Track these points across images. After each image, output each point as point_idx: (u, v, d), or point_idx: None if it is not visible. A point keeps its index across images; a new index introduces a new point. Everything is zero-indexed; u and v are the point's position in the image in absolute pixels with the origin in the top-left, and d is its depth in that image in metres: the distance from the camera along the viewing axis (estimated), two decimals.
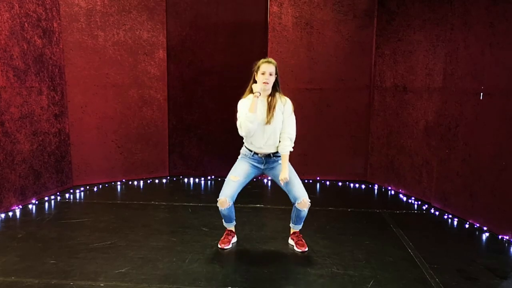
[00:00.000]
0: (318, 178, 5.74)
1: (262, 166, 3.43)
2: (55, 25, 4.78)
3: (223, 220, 3.59)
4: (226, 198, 3.33)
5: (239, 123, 3.28)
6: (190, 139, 5.79)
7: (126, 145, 5.48)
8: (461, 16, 4.23)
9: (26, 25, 4.35)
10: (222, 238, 3.56)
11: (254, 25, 5.58)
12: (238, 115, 3.32)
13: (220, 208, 3.41)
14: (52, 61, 4.75)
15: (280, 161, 3.37)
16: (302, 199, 3.29)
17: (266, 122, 3.26)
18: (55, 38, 4.79)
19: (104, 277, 2.97)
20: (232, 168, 3.44)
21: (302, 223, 3.52)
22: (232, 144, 5.79)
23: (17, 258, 3.23)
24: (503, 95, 3.80)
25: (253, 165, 3.42)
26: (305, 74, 5.55)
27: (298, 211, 3.37)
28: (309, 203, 3.32)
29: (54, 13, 4.77)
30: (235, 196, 3.38)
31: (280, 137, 3.33)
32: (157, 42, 5.47)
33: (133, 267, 3.12)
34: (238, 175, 3.37)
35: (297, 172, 3.46)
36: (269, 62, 3.27)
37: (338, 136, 5.69)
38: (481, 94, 3.99)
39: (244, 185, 3.42)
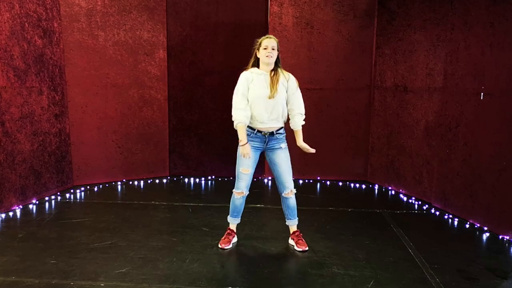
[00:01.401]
0: (318, 178, 5.74)
1: (264, 146, 3.39)
2: (55, 25, 4.79)
3: (229, 216, 3.58)
4: (242, 190, 3.42)
5: (234, 109, 3.28)
6: (190, 139, 5.79)
7: (126, 145, 5.49)
8: (461, 16, 4.23)
9: (27, 25, 4.35)
10: (223, 238, 3.56)
11: (254, 25, 5.58)
12: (237, 91, 3.32)
13: (235, 197, 3.46)
14: (53, 61, 4.76)
15: (281, 145, 3.39)
16: (290, 189, 3.42)
17: (270, 97, 3.27)
18: (55, 38, 4.79)
19: (104, 277, 2.97)
20: (238, 159, 3.39)
21: (296, 216, 3.53)
22: (232, 144, 5.79)
23: (17, 258, 3.23)
24: (503, 95, 3.80)
25: (255, 147, 3.37)
26: (305, 74, 5.54)
27: (286, 199, 3.46)
28: (295, 191, 3.47)
29: (54, 13, 4.77)
30: (249, 185, 3.47)
31: (290, 115, 3.39)
32: (158, 42, 5.48)
33: (133, 267, 3.12)
34: (247, 167, 3.36)
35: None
36: (270, 37, 3.32)
37: (338, 136, 5.69)
38: (482, 94, 3.99)
39: (254, 171, 3.45)
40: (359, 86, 5.57)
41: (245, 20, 5.58)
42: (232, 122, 3.32)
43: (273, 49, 3.28)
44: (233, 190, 3.47)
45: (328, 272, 3.11)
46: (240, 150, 3.31)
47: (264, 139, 3.37)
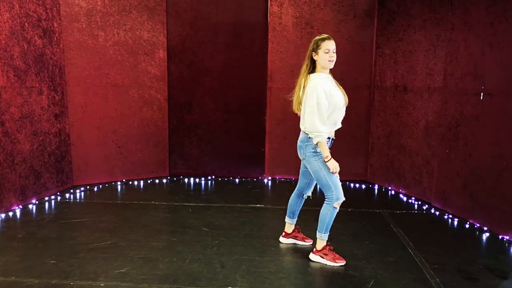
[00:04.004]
0: None
1: None
2: (55, 25, 4.79)
3: (326, 234, 3.26)
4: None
5: (319, 125, 3.03)
6: (190, 139, 5.79)
7: (126, 145, 5.48)
8: (461, 16, 4.23)
9: (27, 25, 4.35)
10: (333, 255, 3.26)
11: (254, 25, 5.58)
12: (320, 104, 3.02)
13: (336, 209, 3.23)
14: (53, 61, 4.75)
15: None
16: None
17: (346, 103, 3.21)
18: (55, 38, 4.79)
19: (104, 277, 2.97)
20: (327, 170, 3.14)
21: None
22: (232, 144, 5.80)
23: (17, 258, 3.24)
24: (503, 95, 3.80)
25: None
26: None
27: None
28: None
29: (54, 13, 4.77)
30: None
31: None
32: (158, 42, 5.48)
33: (133, 267, 3.12)
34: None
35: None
36: (330, 38, 3.09)
37: (338, 136, 5.63)
38: (481, 94, 3.99)
39: None
40: (359, 86, 5.56)
41: (245, 20, 5.58)
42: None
43: (334, 52, 3.08)
44: (335, 203, 3.18)
45: (328, 272, 3.11)
46: (330, 165, 3.08)
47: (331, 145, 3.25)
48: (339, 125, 3.27)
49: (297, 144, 3.29)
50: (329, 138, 3.20)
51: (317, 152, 3.14)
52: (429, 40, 4.71)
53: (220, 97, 5.68)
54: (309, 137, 3.14)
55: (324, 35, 3.15)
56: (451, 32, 4.38)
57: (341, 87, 3.26)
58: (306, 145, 3.19)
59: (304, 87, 3.14)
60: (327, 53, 3.07)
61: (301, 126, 3.21)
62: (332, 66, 3.14)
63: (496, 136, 3.87)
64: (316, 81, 3.08)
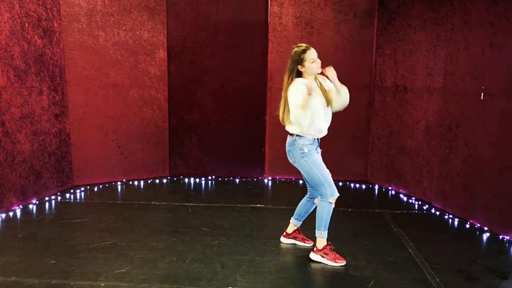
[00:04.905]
0: None
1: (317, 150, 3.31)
2: (55, 25, 4.79)
3: (326, 231, 3.25)
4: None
5: (296, 117, 3.09)
6: (190, 139, 5.79)
7: (126, 145, 5.49)
8: (461, 16, 4.23)
9: (27, 25, 4.35)
10: (334, 255, 3.26)
11: (254, 25, 5.59)
12: (296, 96, 3.06)
13: (332, 205, 3.22)
14: (53, 61, 4.76)
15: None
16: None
17: (328, 104, 3.20)
18: (55, 38, 4.79)
19: (105, 277, 2.97)
20: (317, 165, 3.20)
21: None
22: (232, 144, 5.80)
23: (17, 258, 3.24)
24: (503, 95, 3.80)
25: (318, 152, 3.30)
26: None
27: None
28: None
29: (54, 13, 4.77)
30: None
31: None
32: (158, 42, 5.48)
33: (134, 267, 3.12)
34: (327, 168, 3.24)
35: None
36: (309, 47, 3.15)
37: (338, 136, 5.68)
38: (482, 94, 3.99)
39: None
40: (359, 86, 5.56)
41: (245, 20, 5.58)
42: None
43: (317, 57, 3.15)
44: (330, 199, 3.18)
45: (328, 272, 3.11)
46: (308, 88, 3.03)
47: (318, 144, 3.30)
48: (325, 132, 3.28)
49: (286, 149, 3.32)
50: (314, 138, 3.25)
51: (305, 152, 3.19)
52: (429, 40, 4.71)
53: (220, 97, 5.68)
54: (294, 139, 3.20)
55: (302, 45, 3.18)
56: (451, 32, 4.38)
57: (324, 86, 3.25)
58: (293, 148, 3.24)
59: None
60: (313, 62, 3.13)
61: (287, 128, 3.25)
62: (321, 71, 3.19)
63: (496, 136, 3.87)
64: (296, 83, 3.12)
